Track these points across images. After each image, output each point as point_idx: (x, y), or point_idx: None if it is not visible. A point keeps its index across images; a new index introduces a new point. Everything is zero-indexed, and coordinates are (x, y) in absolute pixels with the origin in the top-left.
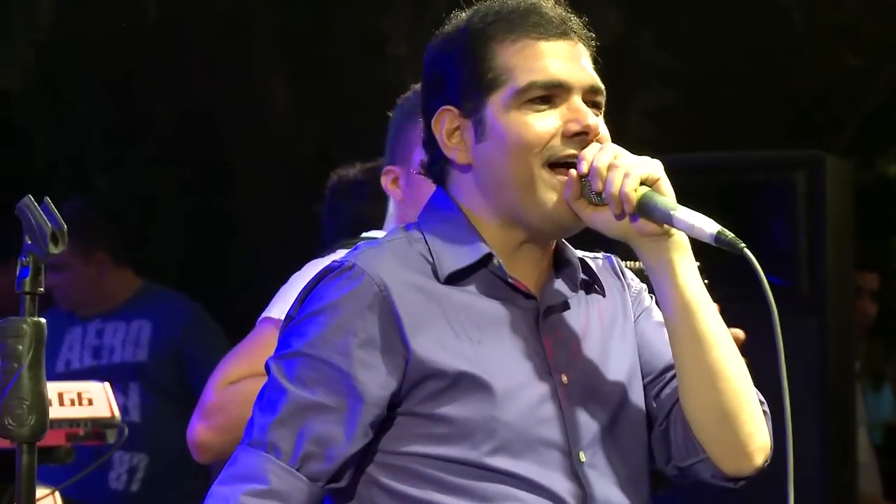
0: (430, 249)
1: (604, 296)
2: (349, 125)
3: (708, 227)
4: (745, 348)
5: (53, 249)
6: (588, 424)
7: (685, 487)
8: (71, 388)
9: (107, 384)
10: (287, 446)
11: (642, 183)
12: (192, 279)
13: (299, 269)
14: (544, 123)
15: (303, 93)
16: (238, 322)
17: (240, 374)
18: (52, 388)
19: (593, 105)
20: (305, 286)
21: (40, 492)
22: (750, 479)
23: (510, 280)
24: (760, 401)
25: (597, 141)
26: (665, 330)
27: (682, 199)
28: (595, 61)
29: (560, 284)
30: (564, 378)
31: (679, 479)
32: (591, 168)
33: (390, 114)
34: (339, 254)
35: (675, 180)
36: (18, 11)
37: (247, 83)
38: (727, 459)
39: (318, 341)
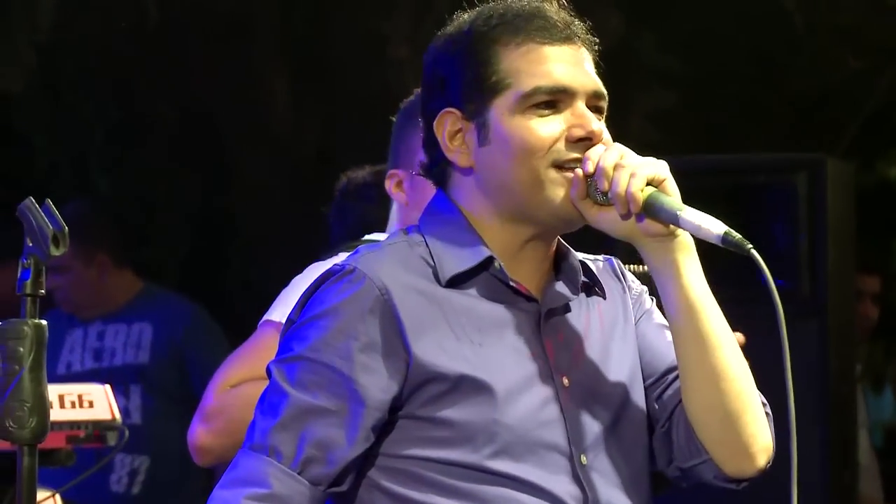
0: (430, 252)
1: (604, 298)
2: (350, 126)
3: (715, 227)
4: (745, 350)
5: (55, 251)
6: (589, 427)
7: (686, 489)
8: (71, 390)
9: (107, 386)
10: (288, 450)
11: (648, 183)
12: (193, 280)
13: (300, 270)
14: (548, 128)
15: (303, 94)
16: (239, 323)
17: (241, 378)
18: (53, 391)
19: (596, 110)
20: (306, 290)
21: (41, 494)
22: (752, 481)
23: (511, 283)
24: (763, 402)
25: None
26: (666, 332)
27: (684, 201)
28: (597, 65)
29: (561, 287)
30: (566, 380)
31: (681, 481)
32: (598, 168)
33: (392, 118)
34: (341, 256)
35: (677, 182)
36: (19, 12)
37: (247, 84)
38: (730, 460)
39: (320, 345)
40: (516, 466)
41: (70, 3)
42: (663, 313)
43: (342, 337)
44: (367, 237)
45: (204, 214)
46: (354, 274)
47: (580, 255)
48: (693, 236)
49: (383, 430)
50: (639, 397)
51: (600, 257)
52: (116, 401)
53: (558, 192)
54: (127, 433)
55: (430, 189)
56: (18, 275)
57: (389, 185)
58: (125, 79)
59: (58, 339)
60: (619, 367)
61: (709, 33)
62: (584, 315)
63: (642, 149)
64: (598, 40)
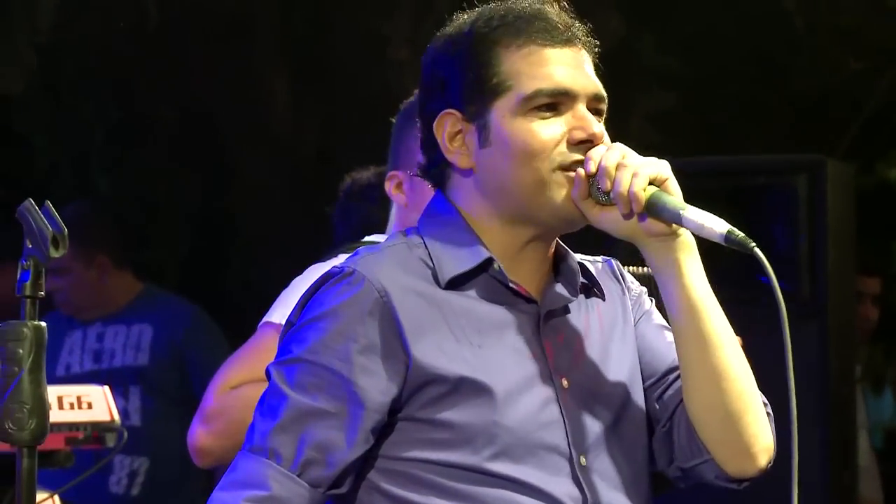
0: (430, 254)
1: (603, 299)
2: (350, 127)
3: (718, 226)
4: (745, 352)
5: (54, 253)
6: (589, 428)
7: (685, 489)
8: (70, 391)
9: (106, 388)
10: (288, 452)
11: (650, 182)
12: (193, 281)
13: (301, 271)
14: (550, 131)
15: (303, 94)
16: (239, 324)
17: (241, 379)
18: (52, 392)
19: (595, 112)
20: (306, 292)
21: (40, 496)
22: (753, 481)
23: (511, 284)
24: (764, 402)
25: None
26: (666, 332)
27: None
28: (597, 67)
29: (560, 288)
30: (565, 382)
31: (682, 481)
32: (600, 167)
33: (392, 119)
34: (341, 258)
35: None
36: (19, 13)
37: (248, 85)
38: (731, 460)
39: (319, 347)
40: (516, 468)
41: (70, 3)
42: (664, 313)
43: (341, 339)
44: (366, 238)
45: (204, 215)
46: (353, 276)
47: (579, 257)
48: (695, 235)
49: (383, 432)
50: (638, 398)
51: (599, 258)
52: (116, 402)
53: (560, 193)
54: (126, 434)
55: (429, 190)
56: (18, 276)
57: (389, 187)
58: (125, 79)
59: (57, 340)
60: (619, 368)
61: (709, 34)
62: (584, 316)
63: (642, 150)
64: (598, 42)
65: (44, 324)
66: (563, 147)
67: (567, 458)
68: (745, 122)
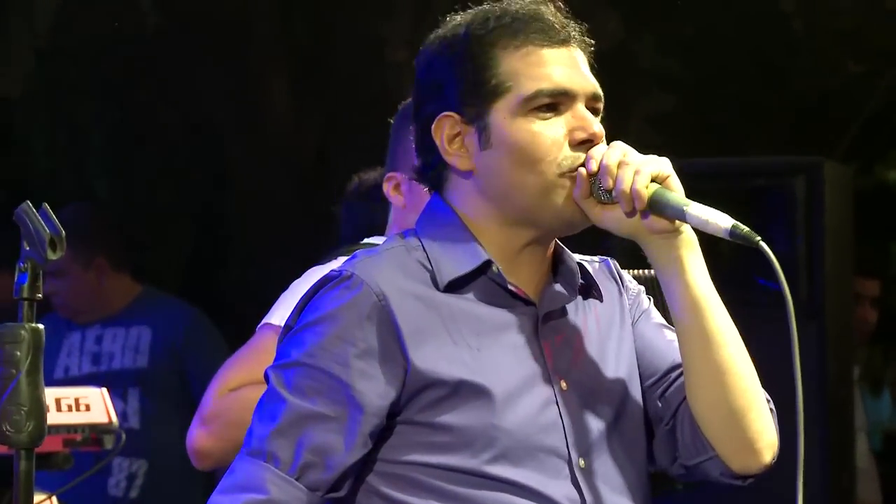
0: (428, 257)
1: (601, 300)
2: (349, 129)
3: (722, 221)
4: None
5: (51, 255)
6: (588, 430)
7: (685, 490)
8: (68, 393)
9: (104, 390)
10: (286, 456)
11: (652, 180)
12: (193, 284)
13: (300, 274)
14: (552, 132)
15: (303, 96)
16: (238, 327)
17: (240, 381)
18: (49, 394)
19: (593, 111)
20: (303, 295)
21: (38, 497)
22: (757, 477)
23: (509, 286)
24: (767, 399)
25: None
26: (665, 331)
27: None
28: (592, 66)
29: (559, 290)
30: (564, 384)
31: (685, 478)
32: (601, 166)
33: (391, 120)
34: (340, 261)
35: None
36: (18, 17)
37: (247, 87)
38: (736, 457)
39: (317, 351)
40: (515, 471)
41: (69, 6)
42: (663, 312)
43: (339, 343)
44: (365, 241)
45: (203, 218)
46: (352, 280)
47: (577, 257)
48: (699, 231)
49: (381, 435)
50: (636, 398)
51: (596, 258)
52: (114, 405)
53: (563, 195)
54: (124, 436)
55: (427, 192)
56: (16, 279)
57: (387, 188)
58: (124, 82)
59: (55, 343)
60: (617, 368)
61: (708, 36)
62: (582, 317)
63: (642, 152)
64: (593, 42)
65: (41, 326)
66: (566, 149)
67: (566, 461)
68: (744, 124)
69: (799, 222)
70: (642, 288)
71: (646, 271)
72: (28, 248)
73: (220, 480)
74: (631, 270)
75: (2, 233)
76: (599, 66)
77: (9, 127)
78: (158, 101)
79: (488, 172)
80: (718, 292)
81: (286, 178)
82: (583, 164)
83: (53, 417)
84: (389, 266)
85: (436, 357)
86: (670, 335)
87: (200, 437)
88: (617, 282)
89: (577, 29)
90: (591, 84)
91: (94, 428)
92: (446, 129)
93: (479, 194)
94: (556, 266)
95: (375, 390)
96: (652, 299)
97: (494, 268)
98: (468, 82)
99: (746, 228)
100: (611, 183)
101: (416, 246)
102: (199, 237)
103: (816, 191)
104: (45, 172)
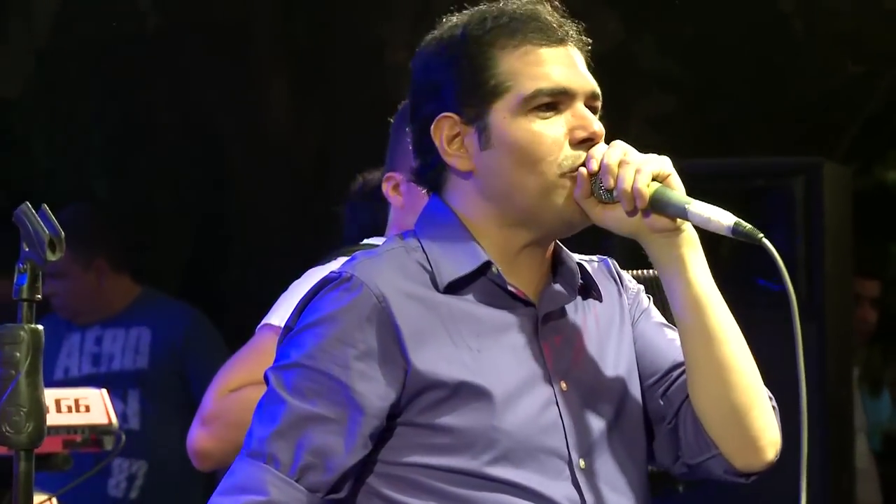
0: (427, 258)
1: (601, 300)
2: (349, 131)
3: (725, 218)
4: None
5: (51, 256)
6: (587, 431)
7: (682, 490)
8: (68, 394)
9: (104, 391)
10: (286, 457)
11: (653, 179)
12: (193, 285)
13: (299, 275)
14: (552, 131)
15: (303, 98)
16: (238, 328)
17: (240, 382)
18: (49, 395)
19: (591, 110)
20: (303, 297)
21: (38, 498)
22: (761, 475)
23: (509, 287)
24: (769, 396)
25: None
26: (665, 329)
27: None
28: (588, 65)
29: (558, 290)
30: (564, 385)
31: (687, 477)
32: (602, 165)
33: (391, 119)
34: (339, 261)
35: None
36: (18, 19)
37: (246, 89)
38: (739, 454)
39: (317, 353)
40: (516, 472)
41: (68, 8)
42: (663, 312)
43: (339, 345)
44: (365, 241)
45: (203, 219)
46: (352, 282)
47: (576, 257)
48: (699, 231)
49: (382, 437)
50: (635, 399)
51: (595, 258)
52: (114, 406)
53: (563, 194)
54: (123, 437)
55: (425, 193)
56: (15, 280)
57: (386, 188)
58: (124, 83)
59: (55, 344)
60: (617, 368)
61: (708, 37)
62: (581, 317)
63: (642, 152)
64: (590, 41)
65: (41, 327)
66: (566, 148)
67: (566, 462)
68: (743, 125)
69: (798, 223)
70: (641, 287)
71: (644, 271)
72: (27, 249)
73: (220, 481)
74: (630, 271)
75: (1, 234)
76: (599, 67)
77: (8, 128)
78: (158, 102)
79: (488, 173)
80: None
81: (286, 179)
82: (583, 164)
83: (53, 418)
84: (389, 267)
85: (436, 359)
86: (671, 334)
87: (201, 438)
88: (616, 281)
89: (573, 28)
90: (589, 83)
91: (93, 429)
92: (445, 130)
93: (479, 195)
94: (556, 266)
95: (375, 392)
96: (651, 298)
97: (494, 269)
98: (467, 83)
99: (749, 225)
100: (612, 182)
101: (416, 247)
102: (199, 238)
103: (816, 191)
104: (44, 173)
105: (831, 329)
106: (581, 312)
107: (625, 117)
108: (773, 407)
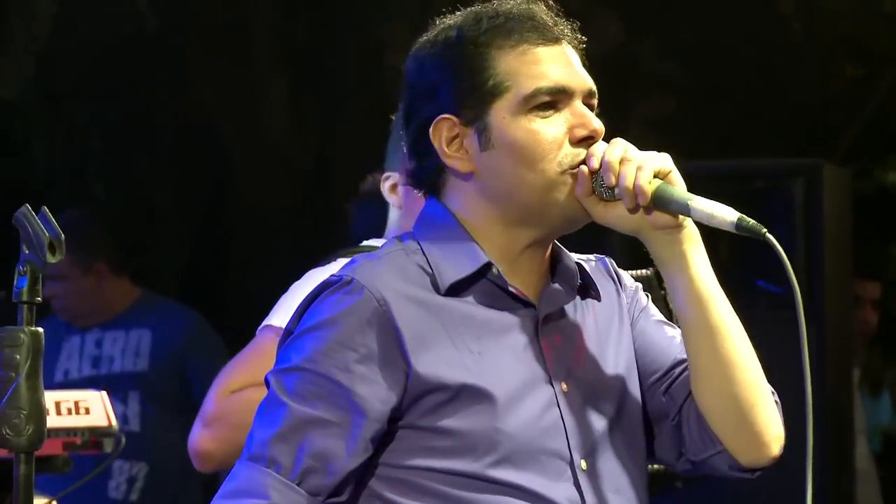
0: (428, 260)
1: (599, 300)
2: (349, 133)
3: (728, 214)
4: None
5: (51, 259)
6: (588, 432)
7: (681, 490)
8: (68, 396)
9: (104, 393)
10: (287, 461)
11: (655, 175)
12: (192, 288)
13: (299, 277)
14: (553, 130)
15: (302, 101)
16: (237, 331)
17: (241, 383)
18: (49, 397)
19: (588, 108)
20: (304, 300)
21: (38, 501)
22: (765, 471)
23: (510, 288)
24: (771, 391)
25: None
26: (665, 327)
27: None
28: (583, 63)
29: (558, 290)
30: (564, 386)
31: (691, 473)
32: (603, 163)
33: (392, 117)
34: (340, 263)
35: None
36: (18, 21)
37: (246, 91)
38: (744, 450)
39: (318, 356)
40: (518, 475)
41: (68, 10)
42: (663, 309)
43: (340, 348)
44: (364, 243)
45: (202, 222)
46: (352, 285)
47: (575, 257)
48: (702, 228)
49: (383, 440)
50: (636, 397)
51: (592, 257)
52: (115, 408)
53: (565, 192)
54: (123, 440)
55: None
56: (15, 282)
57: (385, 188)
58: (123, 86)
59: (55, 346)
60: (616, 369)
61: (708, 40)
62: (581, 317)
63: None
64: (585, 39)
65: (41, 329)
66: (566, 146)
67: (568, 463)
68: (743, 127)
69: (798, 225)
70: (639, 285)
71: (639, 271)
72: (27, 252)
73: (221, 483)
74: (630, 271)
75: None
76: (600, 69)
77: (8, 130)
78: (158, 102)
79: (489, 173)
80: None
81: (285, 181)
82: (583, 162)
83: (53, 421)
84: (389, 270)
85: (437, 362)
86: (671, 331)
87: (202, 439)
88: (614, 280)
89: (568, 26)
90: (586, 81)
91: (93, 431)
92: (444, 132)
93: (480, 196)
94: (554, 266)
95: (377, 395)
96: (650, 296)
97: (495, 269)
98: (465, 84)
99: (752, 221)
100: (613, 180)
101: (415, 250)
102: (199, 240)
103: (815, 193)
104: (44, 176)
105: (831, 331)
106: (580, 312)
107: (625, 119)
108: (776, 402)
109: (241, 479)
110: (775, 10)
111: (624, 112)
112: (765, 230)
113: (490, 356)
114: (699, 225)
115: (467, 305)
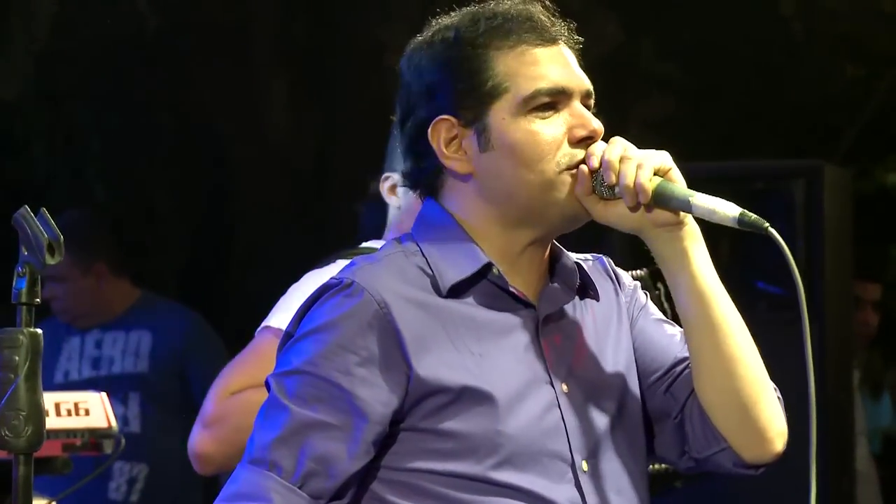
0: (427, 262)
1: (598, 300)
2: (349, 135)
3: (730, 210)
4: None
5: (50, 260)
6: (589, 432)
7: (684, 490)
8: (67, 398)
9: (103, 394)
10: (289, 464)
11: (655, 173)
12: (192, 289)
13: (299, 278)
14: (552, 130)
15: (302, 102)
16: (237, 333)
17: (241, 385)
18: (49, 399)
19: (585, 108)
20: (304, 303)
21: (37, 502)
22: (769, 467)
23: (511, 289)
24: (774, 387)
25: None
26: (665, 325)
27: None
28: (579, 63)
29: (557, 290)
30: (565, 386)
31: (694, 471)
32: (603, 162)
33: (393, 117)
34: (339, 264)
35: None
36: (17, 22)
37: (246, 92)
38: (748, 447)
39: (319, 359)
40: (520, 476)
41: (67, 10)
42: (663, 308)
43: (341, 351)
44: (363, 245)
45: (202, 223)
46: (353, 288)
47: (574, 256)
48: (702, 225)
49: (385, 443)
50: (636, 396)
51: (590, 256)
52: (115, 409)
53: (563, 190)
54: (123, 441)
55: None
56: (14, 283)
57: (384, 188)
58: (123, 87)
59: (55, 347)
60: (615, 369)
61: (708, 41)
62: (580, 317)
63: None
64: (581, 39)
65: (40, 331)
66: (565, 147)
67: (569, 464)
68: (743, 128)
69: (798, 226)
70: (638, 283)
71: (635, 271)
72: (26, 253)
73: (221, 484)
74: (631, 272)
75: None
76: (599, 70)
77: (7, 131)
78: (157, 105)
79: (489, 174)
80: None
81: (285, 183)
82: (582, 161)
83: (53, 422)
84: (389, 273)
85: (438, 364)
86: (670, 330)
87: (202, 441)
88: (612, 279)
89: (565, 27)
90: (584, 81)
91: (93, 432)
92: (443, 133)
93: (479, 197)
94: (553, 266)
95: (378, 398)
96: (648, 295)
97: (495, 270)
98: (464, 85)
99: (754, 216)
100: (613, 178)
101: (415, 251)
102: (198, 240)
103: (816, 194)
104: (43, 176)
105: (831, 332)
106: (579, 312)
107: (624, 120)
108: (779, 398)
109: (243, 483)
110: (775, 10)
111: (623, 113)
112: (767, 224)
113: (491, 357)
114: (700, 224)
115: (468, 307)
